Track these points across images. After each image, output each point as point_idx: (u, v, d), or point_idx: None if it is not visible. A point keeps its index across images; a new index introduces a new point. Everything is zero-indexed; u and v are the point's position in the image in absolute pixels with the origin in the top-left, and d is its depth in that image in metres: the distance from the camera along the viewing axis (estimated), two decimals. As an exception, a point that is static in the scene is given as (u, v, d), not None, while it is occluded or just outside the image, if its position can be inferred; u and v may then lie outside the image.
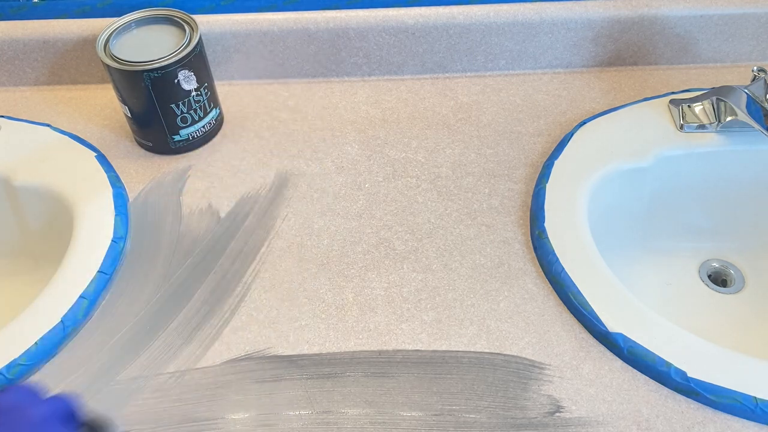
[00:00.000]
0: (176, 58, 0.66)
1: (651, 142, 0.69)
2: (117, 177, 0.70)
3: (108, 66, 0.67)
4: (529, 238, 0.64)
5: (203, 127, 0.73)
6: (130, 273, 0.63)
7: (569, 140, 0.70)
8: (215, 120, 0.75)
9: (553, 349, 0.56)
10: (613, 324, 0.55)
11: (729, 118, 0.68)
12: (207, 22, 0.76)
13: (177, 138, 0.72)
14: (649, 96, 0.75)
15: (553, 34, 0.78)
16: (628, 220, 0.73)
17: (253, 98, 0.80)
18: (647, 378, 0.53)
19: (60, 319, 0.57)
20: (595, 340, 0.56)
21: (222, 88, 0.80)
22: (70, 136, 0.74)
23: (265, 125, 0.76)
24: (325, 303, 0.60)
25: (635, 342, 0.54)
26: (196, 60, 0.68)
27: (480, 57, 0.80)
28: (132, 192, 0.69)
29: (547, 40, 0.78)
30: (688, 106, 0.71)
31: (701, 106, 0.70)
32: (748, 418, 0.51)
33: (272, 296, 0.60)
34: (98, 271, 0.61)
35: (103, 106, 0.79)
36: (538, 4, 0.76)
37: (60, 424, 0.45)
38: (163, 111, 0.69)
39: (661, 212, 0.74)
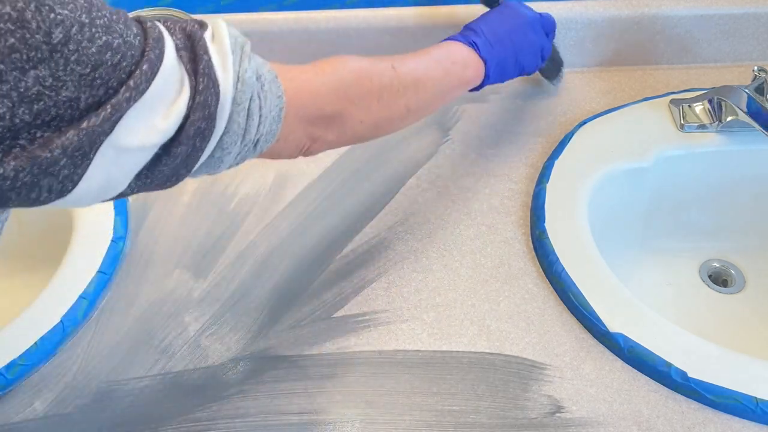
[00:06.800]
0: (176, 58, 0.66)
1: (651, 142, 0.69)
2: (117, 177, 0.70)
3: (108, 66, 0.67)
4: (530, 238, 0.63)
5: (203, 127, 0.73)
6: (130, 273, 0.62)
7: (569, 140, 0.70)
8: (215, 120, 0.74)
9: (553, 349, 0.56)
10: (613, 324, 0.55)
11: (729, 118, 0.68)
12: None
13: (177, 138, 0.72)
14: (649, 96, 0.75)
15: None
16: (629, 220, 0.73)
17: (253, 98, 0.80)
18: (648, 378, 0.53)
19: (60, 319, 0.57)
20: (595, 340, 0.56)
21: (222, 88, 0.80)
22: (70, 136, 0.74)
23: (265, 125, 0.76)
24: (325, 303, 0.60)
25: (636, 342, 0.54)
26: (196, 60, 0.68)
27: (480, 57, 0.80)
28: (132, 192, 0.69)
29: (547, 40, 0.78)
30: (689, 106, 0.71)
31: (702, 106, 0.70)
32: (748, 419, 0.51)
33: (272, 296, 0.60)
34: (98, 271, 0.61)
35: (103, 106, 0.79)
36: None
37: (542, 32, 0.67)
38: (163, 111, 0.69)
39: (661, 212, 0.74)
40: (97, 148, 0.35)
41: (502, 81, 0.65)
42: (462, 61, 0.60)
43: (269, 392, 0.54)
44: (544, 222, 0.62)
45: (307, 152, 0.50)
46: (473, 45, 0.61)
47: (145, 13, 0.71)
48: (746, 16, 0.76)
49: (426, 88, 0.56)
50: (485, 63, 0.61)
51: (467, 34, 0.62)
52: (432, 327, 0.58)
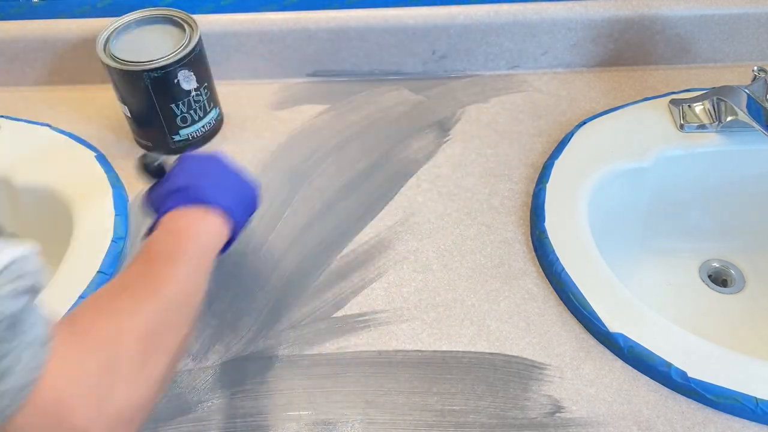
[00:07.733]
0: (176, 58, 0.66)
1: (651, 142, 0.69)
2: (117, 177, 0.70)
3: (108, 66, 0.67)
4: (530, 238, 0.63)
5: (203, 127, 0.73)
6: (130, 273, 0.62)
7: (569, 140, 0.70)
8: (215, 120, 0.75)
9: (553, 349, 0.56)
10: (613, 324, 0.55)
11: (729, 118, 0.68)
12: (207, 22, 0.76)
13: (177, 138, 0.72)
14: (649, 96, 0.75)
15: (553, 34, 0.78)
16: (629, 220, 0.73)
17: (253, 98, 0.80)
18: (648, 378, 0.53)
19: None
20: (595, 340, 0.56)
21: (222, 88, 0.80)
22: (70, 136, 0.74)
23: (265, 125, 0.76)
24: (325, 303, 0.60)
25: (635, 342, 0.54)
26: (196, 60, 0.68)
27: (480, 57, 0.80)
28: (132, 192, 0.69)
29: (547, 40, 0.78)
30: (689, 106, 0.71)
31: (701, 106, 0.70)
32: (748, 419, 0.51)
33: (272, 297, 0.60)
34: (98, 271, 0.61)
35: (103, 106, 0.79)
36: (538, 4, 0.76)
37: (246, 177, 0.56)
38: (162, 111, 0.69)
39: (661, 212, 0.74)
40: None
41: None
42: (213, 237, 0.51)
43: (269, 392, 0.54)
44: (544, 222, 0.62)
45: None
46: (228, 210, 0.52)
47: (145, 13, 0.71)
48: (746, 16, 0.76)
49: (193, 290, 0.47)
50: (235, 226, 0.53)
51: (205, 196, 0.51)
52: (432, 327, 0.58)
